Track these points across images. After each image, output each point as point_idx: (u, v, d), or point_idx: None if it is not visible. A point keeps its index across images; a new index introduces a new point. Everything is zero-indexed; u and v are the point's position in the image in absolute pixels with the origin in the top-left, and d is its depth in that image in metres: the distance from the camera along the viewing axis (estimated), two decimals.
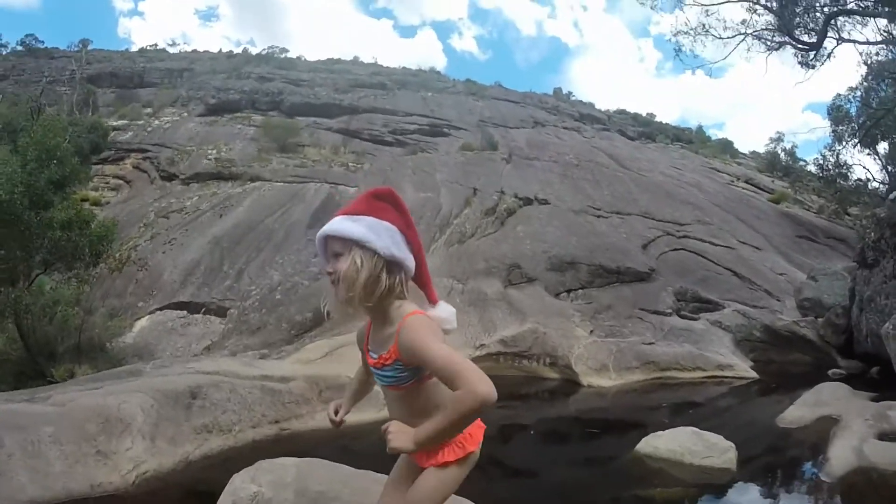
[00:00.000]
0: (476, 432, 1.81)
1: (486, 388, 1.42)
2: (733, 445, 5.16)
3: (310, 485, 3.06)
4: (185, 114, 28.53)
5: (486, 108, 33.18)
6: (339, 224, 1.70)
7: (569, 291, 12.58)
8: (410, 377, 1.69)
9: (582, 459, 5.99)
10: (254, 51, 46.93)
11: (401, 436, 1.54)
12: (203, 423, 5.34)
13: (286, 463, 3.26)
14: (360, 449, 5.56)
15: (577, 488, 4.94)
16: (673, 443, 5.33)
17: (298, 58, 45.10)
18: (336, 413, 2.04)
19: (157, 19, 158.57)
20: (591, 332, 10.81)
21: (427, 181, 18.65)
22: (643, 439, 5.51)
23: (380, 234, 1.69)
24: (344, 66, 43.11)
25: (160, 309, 11.86)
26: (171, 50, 49.51)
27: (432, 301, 1.80)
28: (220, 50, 48.84)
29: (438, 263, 12.75)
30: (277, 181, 18.38)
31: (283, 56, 43.77)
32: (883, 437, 5.23)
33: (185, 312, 11.75)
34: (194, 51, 48.43)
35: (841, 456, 4.94)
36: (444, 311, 1.80)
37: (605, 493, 4.84)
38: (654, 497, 4.46)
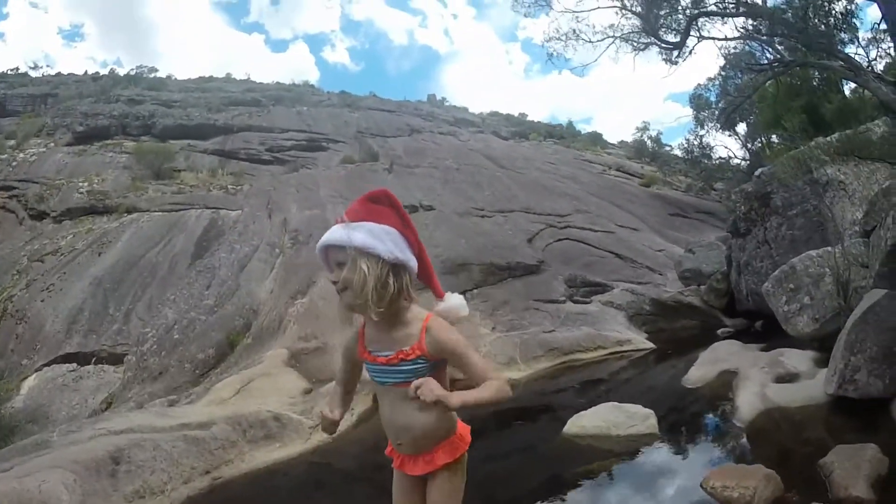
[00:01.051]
0: (465, 433, 1.95)
1: (508, 387, 1.80)
2: (652, 412, 5.51)
3: None
4: (52, 144, 26.41)
5: (363, 119, 33.21)
6: (339, 233, 1.75)
7: (464, 292, 12.59)
8: (428, 371, 1.78)
9: (512, 450, 6.08)
10: (121, 72, 44.61)
11: (437, 390, 1.66)
12: (133, 489, 4.98)
13: None
14: (299, 483, 5.53)
15: (516, 477, 5.05)
16: (597, 419, 5.61)
17: (169, 77, 43.51)
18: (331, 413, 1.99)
19: (18, 40, 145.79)
20: (494, 328, 11.03)
21: (311, 198, 18.34)
22: (569, 420, 5.74)
23: (381, 238, 1.75)
24: (216, 83, 41.87)
25: (47, 364, 11.00)
26: (34, 74, 45.52)
27: (439, 296, 1.93)
28: (86, 72, 45.38)
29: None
30: (155, 211, 17.39)
31: (152, 76, 42.04)
32: (780, 380, 5.82)
33: (74, 365, 10.97)
34: (58, 74, 44.77)
35: (747, 402, 5.43)
36: (454, 300, 1.97)
37: (544, 476, 4.97)
38: (594, 469, 4.69)
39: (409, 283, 1.82)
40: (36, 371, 10.91)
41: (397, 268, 1.77)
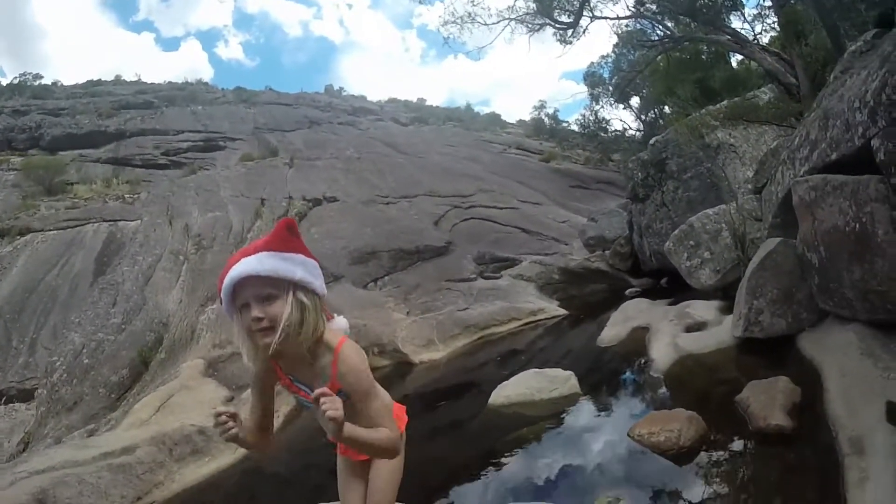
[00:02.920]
0: (401, 415, 2.00)
1: (399, 444, 1.81)
2: (572, 373, 5.68)
3: None
4: None
5: (260, 115, 32.15)
6: (273, 262, 1.62)
7: (376, 280, 12.63)
8: (346, 398, 1.69)
9: (440, 429, 6.03)
10: (4, 81, 40.57)
11: (339, 412, 1.51)
12: None
13: None
14: (234, 494, 5.38)
15: (448, 455, 5.05)
16: (520, 387, 5.72)
17: (55, 84, 39.93)
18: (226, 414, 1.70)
19: None
20: (408, 312, 11.01)
21: (212, 200, 17.52)
22: (493, 392, 5.81)
23: (314, 273, 1.69)
24: (106, 87, 39.03)
25: None
26: None
27: (327, 318, 1.80)
28: None
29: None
30: (50, 229, 15.97)
31: (37, 83, 38.42)
32: (689, 329, 6.12)
33: None
34: None
35: (661, 353, 5.70)
36: (341, 323, 1.87)
37: (475, 450, 4.98)
38: (524, 435, 4.75)
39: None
40: None
41: (321, 300, 1.73)
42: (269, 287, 1.59)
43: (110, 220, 16.50)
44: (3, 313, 12.06)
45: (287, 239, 1.67)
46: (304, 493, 3.68)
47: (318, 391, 1.50)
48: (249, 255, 1.63)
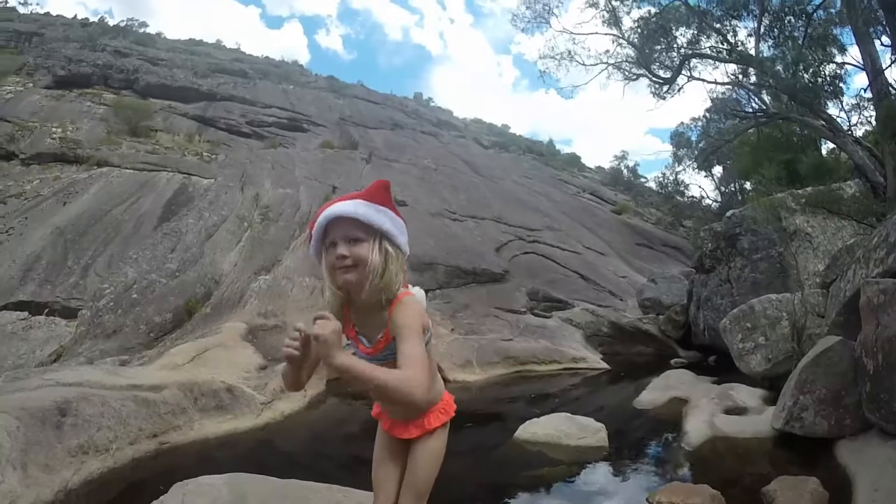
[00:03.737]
0: (450, 400, 2.02)
1: (421, 392, 1.55)
2: (603, 426, 5.67)
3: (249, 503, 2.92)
4: (31, 84, 24.89)
5: (347, 107, 32.84)
6: (367, 210, 1.71)
7: (428, 291, 12.73)
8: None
9: (463, 450, 5.95)
10: (111, 22, 42.53)
11: (332, 336, 1.46)
12: (78, 443, 4.78)
13: (214, 482, 3.12)
14: (244, 458, 5.41)
15: (466, 478, 5.00)
16: (549, 427, 5.72)
17: (158, 34, 41.74)
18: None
19: None
20: (452, 330, 11.12)
21: (286, 176, 18.14)
22: (521, 426, 5.84)
23: (401, 230, 1.78)
24: (205, 48, 40.80)
25: None
26: (22, 10, 42.72)
27: (405, 283, 1.86)
28: (76, 16, 43.20)
29: (299, 262, 12.46)
30: (127, 167, 16.76)
31: (142, 31, 40.15)
32: (728, 412, 6.02)
33: (26, 313, 10.46)
34: (47, 14, 42.39)
35: (696, 428, 5.62)
36: (418, 294, 1.92)
37: (494, 479, 5.00)
38: (543, 475, 4.78)
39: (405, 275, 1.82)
40: None
41: (404, 257, 1.80)
42: (358, 230, 1.69)
43: (185, 173, 17.20)
44: (65, 233, 12.70)
45: (382, 195, 1.77)
46: (309, 475, 3.79)
47: (317, 313, 1.50)
48: (345, 201, 1.74)
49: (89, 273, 11.79)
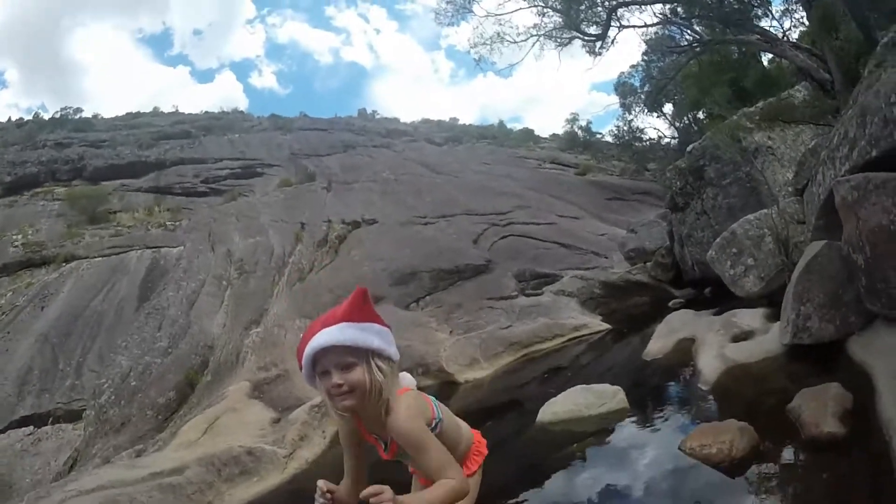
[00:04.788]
0: (481, 446, 2.16)
1: (462, 486, 1.72)
2: (620, 388, 5.62)
3: None
4: None
5: (295, 141, 33.04)
6: (353, 333, 1.73)
7: (417, 301, 12.74)
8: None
9: (489, 446, 6.08)
10: (46, 116, 42.12)
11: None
12: None
13: None
14: None
15: (498, 472, 4.93)
16: (568, 403, 5.68)
17: (95, 117, 41.81)
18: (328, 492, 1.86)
19: None
20: (451, 332, 11.07)
21: (253, 225, 17.99)
22: (541, 409, 5.79)
23: (389, 340, 1.80)
24: (145, 118, 40.71)
25: (2, 431, 10.38)
26: None
27: None
28: (10, 119, 43.08)
29: (285, 306, 12.38)
30: (95, 256, 16.57)
31: (78, 117, 40.10)
32: (736, 339, 6.04)
33: (31, 428, 10.31)
34: None
35: (708, 364, 5.62)
36: (405, 380, 1.97)
37: (526, 466, 4.97)
38: (573, 451, 4.74)
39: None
40: None
41: (395, 365, 1.84)
42: (348, 356, 1.71)
43: (153, 247, 17.03)
44: (49, 338, 12.53)
45: (363, 308, 1.77)
46: None
47: (364, 492, 1.57)
48: (329, 325, 1.73)
49: (83, 371, 11.63)
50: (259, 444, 6.92)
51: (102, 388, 10.53)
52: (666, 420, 4.98)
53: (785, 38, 14.21)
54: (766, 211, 7.48)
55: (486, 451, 2.09)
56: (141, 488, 5.57)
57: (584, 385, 5.90)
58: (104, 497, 5.29)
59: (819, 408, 3.59)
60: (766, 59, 17.68)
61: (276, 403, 8.68)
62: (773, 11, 15.68)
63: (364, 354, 1.72)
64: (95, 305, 13.81)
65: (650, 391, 6.25)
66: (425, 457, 1.75)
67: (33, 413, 10.63)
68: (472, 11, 17.37)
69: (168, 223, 20.29)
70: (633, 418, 5.19)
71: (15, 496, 7.85)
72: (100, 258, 16.52)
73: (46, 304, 14.05)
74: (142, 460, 7.06)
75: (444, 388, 9.16)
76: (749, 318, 6.51)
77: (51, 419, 10.52)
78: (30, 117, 42.12)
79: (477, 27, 18.82)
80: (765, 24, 14.89)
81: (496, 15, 17.12)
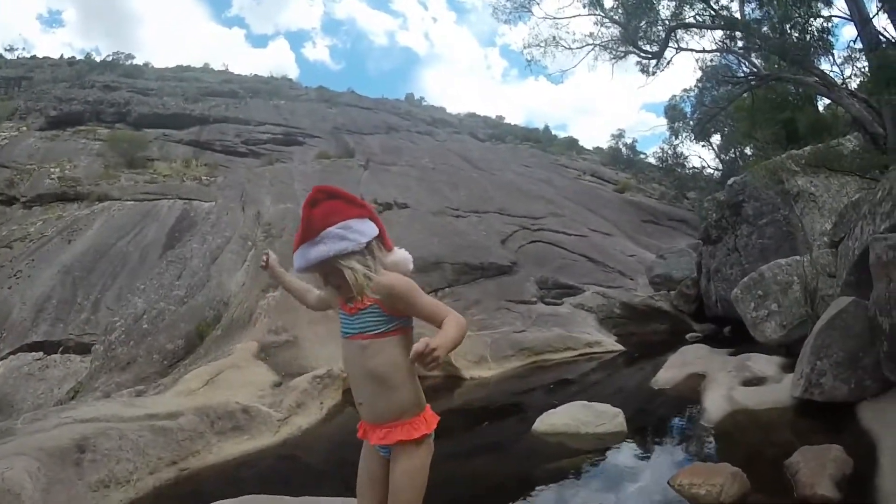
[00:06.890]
0: (431, 420, 1.88)
1: (464, 319, 1.77)
2: (621, 411, 5.59)
3: None
4: (24, 128, 24.98)
5: (340, 115, 32.83)
6: (312, 253, 1.80)
7: (436, 291, 12.63)
8: (379, 326, 1.80)
9: (480, 448, 6.05)
10: (98, 58, 42.54)
11: (429, 343, 1.54)
12: (98, 478, 4.80)
13: None
14: (266, 476, 5.43)
15: (484, 475, 5.02)
16: (566, 417, 5.66)
17: (146, 65, 42.12)
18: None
19: None
20: None
21: (286, 192, 18.03)
22: (538, 418, 5.78)
23: (344, 236, 1.79)
24: (194, 73, 40.88)
25: (13, 353, 10.60)
26: (9, 56, 43.08)
27: (388, 248, 1.92)
28: (62, 56, 43.25)
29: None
30: (128, 199, 16.87)
31: (129, 63, 40.50)
32: (747, 383, 5.96)
33: (41, 354, 10.58)
34: (34, 57, 42.60)
35: (714, 404, 5.56)
36: (401, 253, 1.95)
37: (512, 473, 4.99)
38: (563, 466, 4.73)
39: (380, 246, 1.88)
40: (1, 360, 10.54)
41: (369, 245, 1.83)
42: (320, 269, 1.84)
43: (185, 199, 17.23)
44: (72, 270, 12.78)
45: (314, 216, 1.81)
46: (335, 486, 3.74)
47: (416, 349, 1.53)
48: (294, 250, 1.85)
49: (100, 308, 11.85)
50: (256, 404, 6.99)
51: (115, 326, 10.71)
52: (661, 452, 4.95)
53: (843, 85, 13.89)
54: (798, 258, 7.34)
55: (434, 426, 1.88)
56: (133, 426, 5.66)
57: (584, 402, 5.88)
58: (96, 428, 5.38)
59: (817, 468, 3.53)
60: (821, 103, 17.31)
61: (280, 368, 8.76)
62: (835, 56, 15.35)
63: (332, 262, 1.78)
64: (121, 246, 14.05)
65: (652, 419, 6.21)
66: (418, 304, 1.79)
67: (45, 340, 10.87)
68: (530, 11, 17.24)
69: (203, 178, 20.48)
70: (629, 444, 5.16)
71: (15, 415, 8.01)
72: (132, 202, 16.77)
73: (74, 239, 14.32)
74: (141, 400, 7.21)
75: (449, 382, 9.17)
76: (764, 363, 6.43)
77: (61, 348, 10.75)
78: (82, 58, 42.59)
79: (533, 28, 18.66)
80: (825, 67, 14.58)
81: (554, 18, 16.98)
